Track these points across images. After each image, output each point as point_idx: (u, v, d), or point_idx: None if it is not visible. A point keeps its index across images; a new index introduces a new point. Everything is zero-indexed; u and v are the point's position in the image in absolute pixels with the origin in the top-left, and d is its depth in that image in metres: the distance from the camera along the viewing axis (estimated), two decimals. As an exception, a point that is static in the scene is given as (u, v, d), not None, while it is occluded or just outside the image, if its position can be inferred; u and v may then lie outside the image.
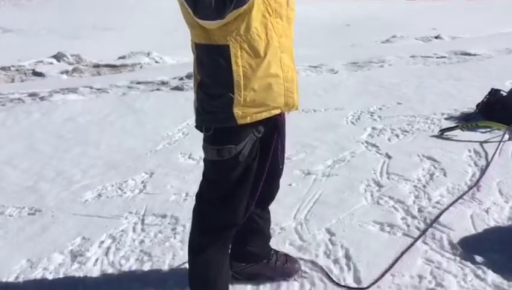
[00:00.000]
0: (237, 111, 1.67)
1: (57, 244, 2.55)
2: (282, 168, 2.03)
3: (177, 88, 5.95)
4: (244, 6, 1.54)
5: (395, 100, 4.85)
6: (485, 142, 3.51)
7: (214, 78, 1.69)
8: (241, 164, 1.78)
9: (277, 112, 1.77)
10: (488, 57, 6.58)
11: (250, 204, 1.91)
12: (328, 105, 4.88)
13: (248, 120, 1.70)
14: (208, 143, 1.80)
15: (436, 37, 13.51)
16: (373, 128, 4.08)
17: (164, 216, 2.77)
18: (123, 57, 12.79)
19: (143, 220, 2.75)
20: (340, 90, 5.49)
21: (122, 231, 2.64)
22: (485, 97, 4.15)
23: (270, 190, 2.02)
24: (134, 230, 2.64)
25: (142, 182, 3.34)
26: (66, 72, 11.46)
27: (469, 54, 7.21)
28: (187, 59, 10.39)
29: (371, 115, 4.45)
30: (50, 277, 2.27)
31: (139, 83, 6.36)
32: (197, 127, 1.81)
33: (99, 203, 3.05)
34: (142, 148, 4.03)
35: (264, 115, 1.74)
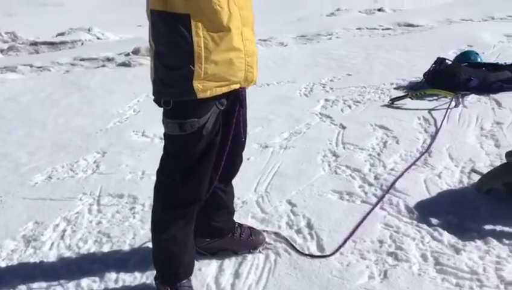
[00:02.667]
0: (197, 84, 1.61)
1: (8, 229, 2.42)
2: (244, 141, 2.00)
3: (123, 64, 5.74)
4: None
5: (345, 72, 4.92)
6: (433, 109, 3.64)
7: (172, 48, 1.60)
8: (205, 138, 1.73)
9: (236, 86, 1.72)
10: (431, 28, 6.79)
11: (213, 179, 1.87)
12: (281, 78, 4.88)
13: (208, 94, 1.64)
14: (168, 117, 1.72)
15: (379, 10, 13.75)
16: (326, 100, 4.12)
17: (121, 196, 2.68)
18: (62, 34, 12.15)
19: (99, 201, 2.65)
20: (291, 63, 5.50)
21: (77, 213, 2.54)
22: (432, 66, 4.28)
23: (233, 163, 1.99)
24: (90, 212, 2.55)
25: (95, 162, 3.21)
26: (1, 51, 10.76)
27: (412, 25, 7.41)
28: (131, 35, 10.04)
29: (323, 87, 4.49)
30: (3, 264, 2.16)
31: (82, 59, 6.07)
32: (155, 100, 1.73)
33: (50, 185, 2.91)
34: (92, 127, 3.87)
35: (224, 90, 1.68)
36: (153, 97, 1.71)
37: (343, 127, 3.47)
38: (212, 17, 1.58)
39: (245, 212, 2.42)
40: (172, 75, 1.63)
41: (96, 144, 3.52)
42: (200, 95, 1.63)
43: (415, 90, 4.07)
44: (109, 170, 3.05)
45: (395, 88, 4.25)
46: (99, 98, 4.62)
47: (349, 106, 3.92)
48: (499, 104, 3.60)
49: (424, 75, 4.28)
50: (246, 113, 1.95)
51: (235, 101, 1.80)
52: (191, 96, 1.62)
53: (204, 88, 1.62)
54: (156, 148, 3.24)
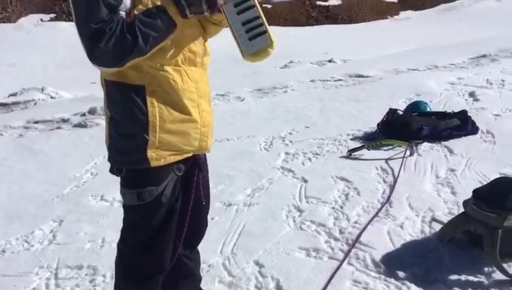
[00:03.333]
0: (151, 153, 1.62)
1: (-44, 315, 2.25)
2: (208, 205, 1.98)
3: (79, 125, 5.64)
4: (143, 58, 1.52)
5: (302, 124, 5.03)
6: (390, 159, 3.75)
7: (126, 117, 1.61)
8: (164, 206, 1.72)
9: (190, 154, 1.74)
10: (380, 78, 7.10)
11: (177, 246, 1.83)
12: (240, 133, 4.93)
13: (162, 162, 1.65)
14: (125, 187, 1.71)
15: (330, 61, 14.30)
16: (286, 153, 4.18)
17: (80, 267, 2.56)
18: (14, 94, 11.88)
19: (56, 275, 2.52)
20: (249, 118, 5.58)
21: (34, 289, 2.40)
22: (384, 116, 4.45)
23: (197, 229, 1.96)
24: (47, 287, 2.41)
25: (51, 231, 3.07)
26: (-51, 114, 10.36)
27: (362, 76, 7.73)
28: (85, 93, 9.93)
29: (283, 140, 4.56)
30: None
31: (36, 122, 5.93)
32: (110, 169, 1.72)
33: (4, 260, 2.74)
34: (48, 194, 3.72)
35: (178, 158, 1.70)
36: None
37: (305, 181, 3.50)
38: (168, 90, 1.61)
39: (211, 277, 2.36)
40: (127, 144, 1.63)
41: (52, 212, 3.38)
42: (154, 164, 1.63)
43: (370, 140, 4.21)
44: (67, 240, 2.92)
45: (351, 139, 4.37)
46: (55, 162, 4.49)
47: (310, 159, 3.98)
48: (450, 151, 3.76)
49: (378, 125, 4.44)
50: (207, 176, 1.96)
51: (194, 166, 1.81)
52: (144, 165, 1.63)
53: (158, 157, 1.63)
54: (116, 213, 3.15)
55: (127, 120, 1.62)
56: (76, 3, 1.48)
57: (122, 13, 1.48)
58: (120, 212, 1.75)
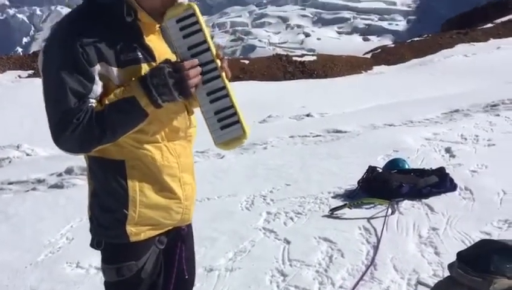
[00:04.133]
0: (130, 228, 1.59)
1: None
2: (192, 278, 1.92)
3: (56, 186, 5.52)
4: (112, 143, 1.50)
5: (283, 182, 5.02)
6: (372, 218, 3.75)
7: (107, 191, 1.59)
8: (145, 282, 1.66)
9: (170, 227, 1.71)
10: (358, 134, 7.22)
11: (160, 323, 1.75)
12: (221, 192, 4.88)
13: (141, 237, 1.63)
14: (105, 262, 1.66)
15: (307, 115, 14.55)
16: (268, 212, 4.14)
17: None
18: (-12, 152, 11.64)
19: None
20: (230, 175, 5.55)
21: None
22: (364, 174, 4.49)
23: (181, 304, 1.88)
24: None
25: (23, 303, 2.92)
26: None
27: (341, 132, 7.85)
28: (63, 150, 9.78)
29: (264, 199, 4.53)
30: None
31: (11, 183, 5.78)
32: (90, 243, 1.68)
33: (-30, 339, 2.58)
34: (20, 262, 3.57)
35: (158, 232, 1.66)
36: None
37: (288, 242, 3.45)
38: (148, 165, 1.60)
39: None
40: (107, 217, 1.61)
41: (25, 282, 3.22)
42: (133, 239, 1.60)
43: (352, 198, 4.21)
44: (40, 313, 2.77)
45: (333, 197, 4.37)
46: (29, 226, 4.34)
47: (292, 218, 3.95)
48: (431, 209, 3.78)
49: (359, 182, 4.46)
50: (192, 247, 1.91)
51: (176, 238, 1.77)
52: (123, 240, 1.60)
53: (137, 231, 1.60)
54: (92, 281, 3.03)
55: (107, 194, 1.60)
56: (46, 89, 1.49)
57: (92, 101, 1.47)
58: (97, 280, 1.68)
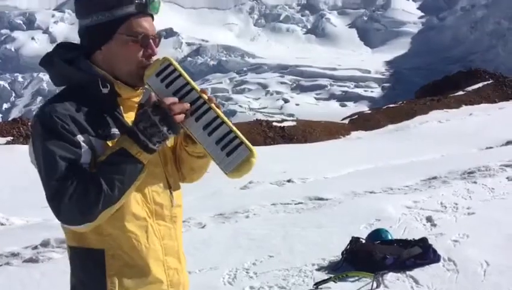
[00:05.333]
0: None
1: None
2: None
3: (30, 260, 5.31)
4: (116, 206, 1.46)
5: (266, 253, 4.95)
6: (357, 292, 3.68)
7: (85, 285, 1.56)
8: None
9: None
10: (339, 202, 7.25)
11: None
12: (202, 265, 4.76)
13: None
14: None
15: (289, 181, 14.58)
16: (251, 287, 4.04)
17: None
18: (-40, 221, 11.26)
19: None
20: (211, 247, 5.45)
21: None
22: (348, 245, 4.46)
23: None
24: None
25: None
26: None
27: (322, 199, 7.87)
28: (38, 218, 9.54)
29: (247, 272, 4.43)
30: None
31: (-17, 257, 5.55)
32: None
33: None
34: None
35: None
36: None
37: (272, 320, 3.34)
38: (129, 251, 1.56)
39: None
40: None
41: None
42: None
43: (335, 270, 4.16)
44: None
45: (317, 269, 4.30)
46: (0, 305, 4.13)
47: (275, 294, 3.85)
48: (416, 281, 3.75)
49: (342, 254, 4.42)
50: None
51: None
52: None
53: None
54: None
55: (85, 288, 1.56)
56: (39, 168, 1.48)
57: (84, 165, 1.46)
58: None
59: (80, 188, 1.40)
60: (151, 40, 1.61)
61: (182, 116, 1.49)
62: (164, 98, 1.49)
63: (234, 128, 1.56)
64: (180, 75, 1.57)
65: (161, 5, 1.64)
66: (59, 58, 1.58)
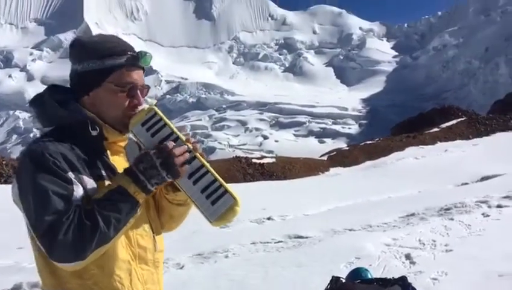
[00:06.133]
0: None
1: None
2: None
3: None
4: (108, 245, 1.44)
5: (246, 295, 4.87)
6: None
7: None
8: None
9: None
10: (319, 240, 7.24)
11: None
12: (181, 308, 4.66)
13: None
14: None
15: (268, 218, 14.51)
16: (231, 331, 3.95)
17: None
18: None
19: None
20: (191, 289, 5.34)
21: None
22: (328, 285, 4.41)
23: None
24: None
25: None
26: None
27: (302, 237, 7.85)
28: (10, 260, 9.21)
29: (226, 316, 4.34)
30: None
31: (-50, 303, 5.30)
32: None
33: None
34: None
35: None
36: None
37: None
38: None
39: None
40: None
41: None
42: None
43: (317, 312, 4.10)
44: None
45: (297, 311, 4.25)
46: None
47: (256, 337, 3.77)
48: (397, 321, 3.72)
49: (323, 294, 4.37)
50: None
51: None
52: None
53: None
54: None
55: None
56: (25, 200, 1.45)
57: (78, 201, 1.44)
58: None
59: (75, 224, 1.37)
60: (138, 91, 1.65)
61: (182, 163, 1.52)
62: (167, 142, 1.52)
63: (218, 177, 1.59)
64: (166, 124, 1.60)
65: (152, 58, 1.69)
66: (50, 99, 1.60)
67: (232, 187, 1.59)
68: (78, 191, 1.46)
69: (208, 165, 1.59)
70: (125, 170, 1.50)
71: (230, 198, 1.56)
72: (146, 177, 1.47)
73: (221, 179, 1.58)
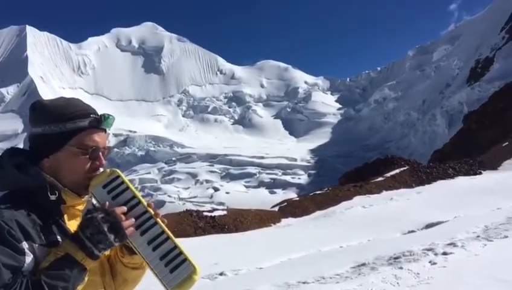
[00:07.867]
0: None
1: None
2: None
3: None
4: None
5: None
6: None
7: None
8: None
9: None
10: (274, 296, 7.17)
11: None
12: None
13: None
14: None
15: (221, 274, 14.19)
16: None
17: None
18: None
19: None
20: None
21: None
22: None
23: None
24: None
25: None
26: None
27: (257, 293, 7.74)
28: None
29: None
30: None
31: None
32: None
33: None
34: None
35: None
36: None
37: None
38: None
39: None
40: None
41: None
42: None
43: None
44: None
45: None
46: None
47: None
48: None
49: None
50: None
51: None
52: None
53: None
54: None
55: None
56: None
57: (27, 272, 1.42)
58: None
59: None
60: (100, 153, 1.65)
61: (132, 227, 1.52)
62: (115, 207, 1.51)
63: (178, 244, 1.59)
64: (128, 188, 1.60)
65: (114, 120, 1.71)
66: (9, 163, 1.58)
67: (191, 255, 1.59)
68: (29, 262, 1.45)
69: (168, 231, 1.59)
70: (72, 236, 1.49)
71: (190, 266, 1.55)
72: (93, 243, 1.46)
73: (181, 246, 1.58)
